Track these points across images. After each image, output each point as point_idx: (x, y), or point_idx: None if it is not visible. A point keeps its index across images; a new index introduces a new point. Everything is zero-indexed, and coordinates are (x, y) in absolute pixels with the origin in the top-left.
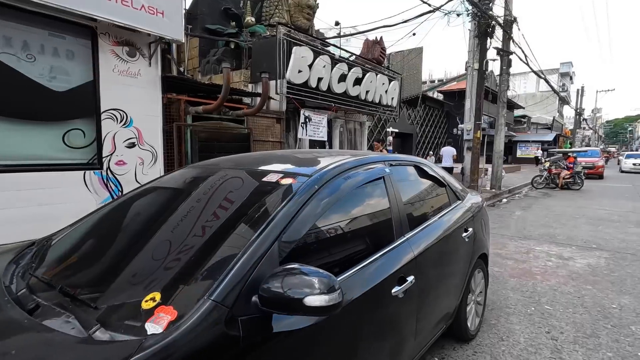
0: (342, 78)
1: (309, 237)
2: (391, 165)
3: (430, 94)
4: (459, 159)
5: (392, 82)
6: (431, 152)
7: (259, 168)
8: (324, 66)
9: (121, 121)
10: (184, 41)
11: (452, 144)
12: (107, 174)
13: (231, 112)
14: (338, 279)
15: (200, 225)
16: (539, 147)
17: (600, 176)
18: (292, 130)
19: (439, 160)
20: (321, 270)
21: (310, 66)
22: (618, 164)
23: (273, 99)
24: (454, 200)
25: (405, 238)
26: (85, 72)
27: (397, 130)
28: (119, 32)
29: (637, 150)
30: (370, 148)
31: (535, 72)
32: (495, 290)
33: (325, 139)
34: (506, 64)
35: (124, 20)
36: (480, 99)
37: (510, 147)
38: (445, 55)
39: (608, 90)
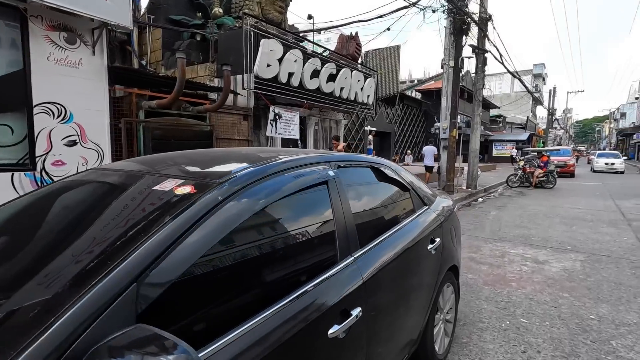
0: (315, 74)
1: (197, 272)
2: (339, 166)
3: (408, 93)
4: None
5: (368, 80)
6: (409, 151)
7: (161, 172)
8: (295, 61)
9: (59, 116)
10: (132, 27)
11: (432, 143)
12: (41, 175)
13: (192, 107)
14: (240, 330)
15: (29, 260)
16: (513, 146)
17: (571, 174)
18: (262, 127)
19: (420, 158)
20: (180, 343)
21: (280, 60)
22: (588, 163)
23: (239, 94)
24: (419, 207)
25: (352, 258)
26: (12, 60)
27: (375, 129)
28: (54, 16)
29: (604, 149)
30: (331, 148)
31: (509, 72)
32: (468, 302)
33: (297, 137)
34: (481, 62)
35: (59, 2)
36: (456, 97)
37: (487, 146)
38: (425, 54)
39: (578, 91)
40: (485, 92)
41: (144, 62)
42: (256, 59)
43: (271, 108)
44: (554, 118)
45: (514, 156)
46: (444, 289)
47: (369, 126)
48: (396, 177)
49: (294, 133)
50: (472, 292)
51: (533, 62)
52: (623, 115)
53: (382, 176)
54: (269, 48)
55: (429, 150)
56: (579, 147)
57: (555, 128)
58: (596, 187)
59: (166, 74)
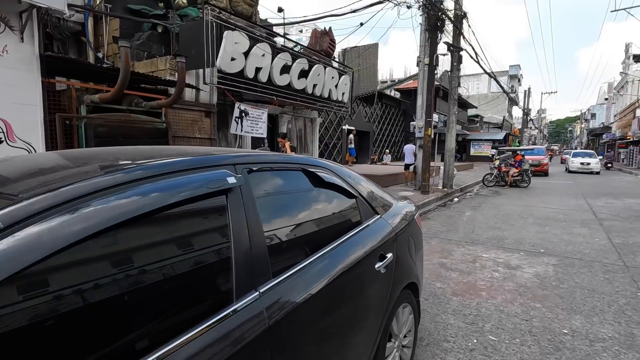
0: (286, 69)
1: None
2: (251, 170)
3: (388, 92)
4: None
5: (343, 77)
6: (387, 151)
7: None
8: (263, 55)
9: None
10: (66, 12)
11: (413, 142)
12: None
13: (145, 103)
14: None
15: None
16: (490, 145)
17: (545, 173)
18: (230, 125)
19: (400, 158)
20: None
21: (246, 54)
22: (562, 162)
23: (198, 89)
24: (368, 216)
25: (256, 294)
26: None
27: (354, 128)
28: None
29: (576, 148)
30: (293, 150)
31: (485, 71)
32: (434, 316)
33: (265, 135)
34: (457, 60)
35: None
36: (431, 95)
37: (465, 145)
38: (406, 54)
39: (551, 92)
40: (463, 92)
41: (100, 55)
42: (219, 52)
43: (236, 104)
44: (528, 118)
45: (494, 155)
46: (399, 311)
47: (347, 125)
48: (338, 181)
49: (262, 131)
50: (440, 304)
51: (509, 64)
52: (593, 115)
53: (318, 181)
54: (234, 41)
55: (409, 148)
56: (552, 147)
57: (530, 128)
58: (569, 185)
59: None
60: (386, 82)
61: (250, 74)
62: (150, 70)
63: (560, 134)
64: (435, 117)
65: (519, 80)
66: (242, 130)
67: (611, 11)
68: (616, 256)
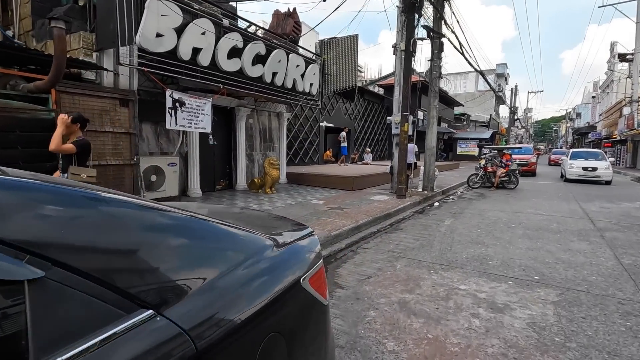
0: (236, 53)
1: None
2: None
3: (371, 87)
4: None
5: (311, 66)
6: (368, 149)
7: None
8: (204, 33)
9: None
10: None
11: (412, 141)
12: None
13: (22, 85)
14: None
15: None
16: (477, 144)
17: (533, 173)
18: (159, 117)
19: (384, 156)
20: None
21: (179, 31)
22: (551, 163)
23: (102, 68)
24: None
25: None
26: None
27: (331, 125)
28: None
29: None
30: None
31: (469, 62)
32: None
33: (208, 130)
34: (437, 47)
35: None
36: (408, 85)
37: (451, 144)
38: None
39: (538, 91)
40: (449, 90)
41: (10, 33)
42: (139, 26)
43: (167, 92)
44: (515, 117)
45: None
46: None
47: (325, 122)
48: None
49: (204, 125)
50: None
51: (496, 62)
52: (579, 115)
53: None
54: (159, 12)
55: (409, 148)
56: (538, 146)
57: (517, 127)
58: (558, 187)
59: (36, 48)
60: (370, 79)
61: (185, 55)
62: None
63: (545, 133)
64: (420, 114)
65: (506, 79)
66: (176, 124)
67: (599, 7)
68: (632, 286)
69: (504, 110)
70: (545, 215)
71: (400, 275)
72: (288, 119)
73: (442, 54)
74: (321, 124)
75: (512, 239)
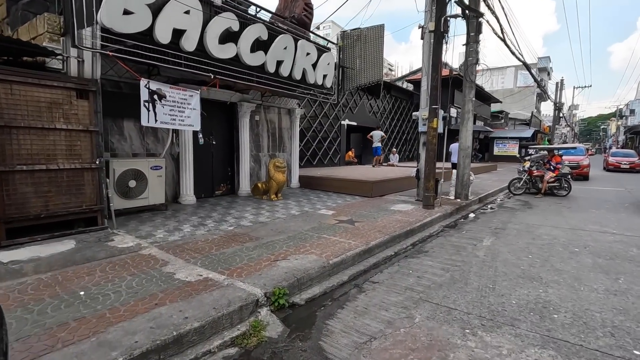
0: (231, 37)
1: None
2: None
3: (400, 84)
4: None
5: (324, 55)
6: (395, 149)
7: None
8: (188, 12)
9: None
10: None
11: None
12: None
13: None
14: None
15: None
16: (517, 143)
17: (585, 177)
18: (133, 111)
19: (447, 157)
20: None
21: (154, 8)
22: (611, 168)
23: (53, 52)
24: None
25: None
26: None
27: (354, 123)
28: None
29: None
30: (280, 147)
31: (512, 51)
32: None
33: (197, 127)
34: (474, 29)
35: None
36: (438, 73)
37: (487, 144)
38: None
39: (585, 87)
40: (486, 86)
41: None
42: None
43: (142, 82)
44: (560, 114)
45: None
46: None
47: (346, 120)
48: None
49: (191, 122)
50: None
51: (537, 56)
52: (632, 111)
53: None
54: None
55: (456, 147)
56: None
57: (561, 125)
58: (619, 194)
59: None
60: (404, 76)
61: (163, 37)
62: (31, 37)
63: (592, 132)
64: (452, 111)
65: (549, 74)
66: (155, 120)
67: None
68: None
69: (545, 108)
70: (617, 234)
71: (420, 338)
72: (305, 116)
73: (480, 36)
74: (343, 122)
75: (579, 272)
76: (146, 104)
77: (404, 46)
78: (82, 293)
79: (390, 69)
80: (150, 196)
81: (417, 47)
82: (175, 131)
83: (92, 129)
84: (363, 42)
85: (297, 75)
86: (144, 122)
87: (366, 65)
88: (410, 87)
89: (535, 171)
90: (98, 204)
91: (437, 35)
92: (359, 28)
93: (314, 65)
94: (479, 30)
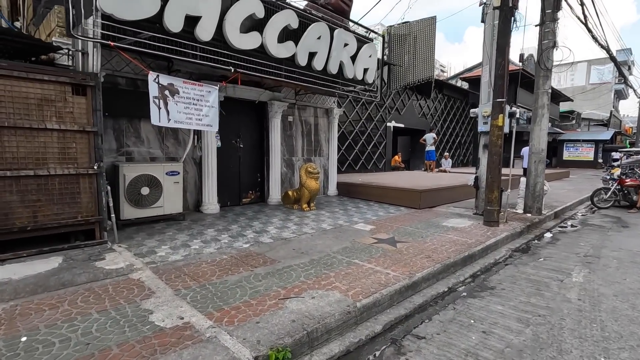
0: (255, 25)
1: None
2: None
3: (453, 82)
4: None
5: (365, 47)
6: (447, 154)
7: None
8: None
9: None
10: None
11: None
12: None
13: None
14: None
15: None
16: (592, 147)
17: None
18: (142, 109)
19: (468, 162)
20: None
21: None
22: None
23: (48, 47)
24: None
25: None
26: None
27: (401, 125)
28: None
29: None
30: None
31: (595, 40)
32: None
33: (215, 127)
34: (551, 4)
35: None
36: (504, 59)
37: (555, 147)
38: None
39: None
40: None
41: (18, 24)
42: None
43: (150, 76)
44: None
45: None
46: None
47: (393, 122)
48: None
49: (209, 121)
50: None
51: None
52: None
53: None
54: None
55: (526, 151)
56: None
57: None
58: None
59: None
60: (458, 74)
61: (174, 26)
62: (47, 33)
63: None
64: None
65: (630, 68)
66: (168, 119)
67: None
68: None
69: (625, 107)
70: None
71: None
72: (347, 117)
73: (559, 14)
74: (389, 124)
75: None
76: (156, 101)
77: (457, 46)
78: (24, 339)
79: (442, 70)
80: (166, 205)
81: (472, 47)
82: (198, 132)
83: (90, 129)
84: (412, 37)
85: (333, 69)
86: (154, 121)
87: (415, 62)
88: (465, 85)
89: (627, 180)
90: (96, 215)
91: (503, 12)
92: (408, 22)
93: (353, 58)
94: (557, 6)
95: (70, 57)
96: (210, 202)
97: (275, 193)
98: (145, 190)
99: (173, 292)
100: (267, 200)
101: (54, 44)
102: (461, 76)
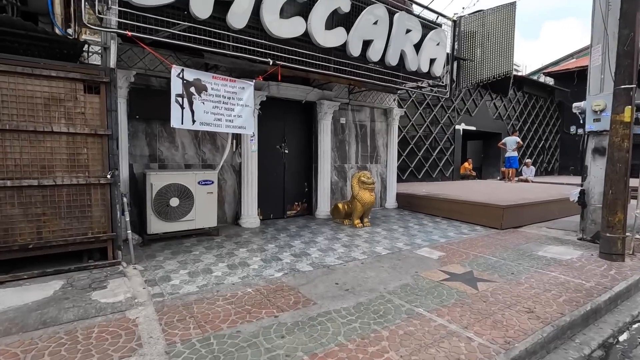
0: (297, 8)
1: None
2: None
3: (534, 78)
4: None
5: (432, 32)
6: (529, 160)
7: None
8: None
9: None
10: None
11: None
12: None
13: None
14: None
15: None
16: None
17: None
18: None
19: (552, 170)
20: None
21: None
22: None
23: (49, 37)
24: None
25: None
26: None
27: (472, 128)
28: None
29: None
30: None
31: None
32: None
33: (250, 130)
34: None
35: None
36: (633, 31)
37: None
38: (565, 45)
39: None
40: None
41: (70, 31)
42: None
43: (173, 71)
44: None
45: None
46: None
47: (462, 124)
48: None
49: (242, 123)
50: None
51: None
52: None
53: None
54: None
55: None
56: None
57: None
58: None
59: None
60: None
61: (201, 11)
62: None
63: None
64: None
65: None
66: (193, 121)
67: None
68: None
69: None
70: None
71: None
72: (409, 118)
73: None
74: (457, 126)
75: None
76: (179, 100)
77: (533, 44)
78: None
79: (516, 69)
80: (198, 218)
81: (550, 44)
82: (237, 137)
83: (104, 132)
84: (486, 27)
85: (393, 60)
86: (175, 124)
87: (490, 55)
88: (551, 81)
89: None
90: (109, 231)
91: None
92: (481, 10)
93: (417, 47)
94: None
95: (99, 54)
96: (250, 215)
97: (323, 205)
98: (174, 202)
99: (164, 347)
100: (314, 213)
101: (82, 40)
102: (545, 71)
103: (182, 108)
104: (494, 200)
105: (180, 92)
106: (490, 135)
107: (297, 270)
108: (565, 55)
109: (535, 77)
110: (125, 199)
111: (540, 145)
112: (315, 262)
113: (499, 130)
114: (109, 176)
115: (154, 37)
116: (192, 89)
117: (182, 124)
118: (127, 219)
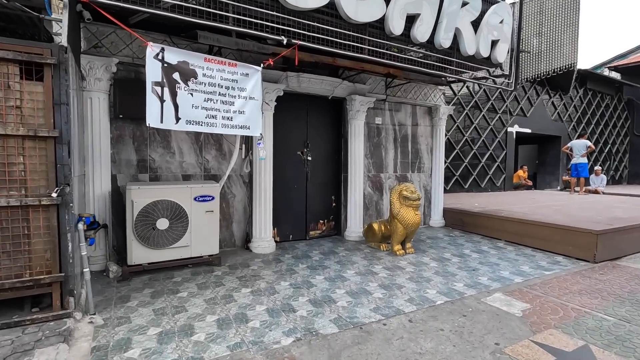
0: None
1: None
2: None
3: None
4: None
5: (494, 7)
6: (598, 168)
7: None
8: None
9: None
10: None
11: None
12: None
13: None
14: None
15: None
16: None
17: None
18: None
19: (621, 177)
20: None
21: None
22: None
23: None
24: None
25: None
26: None
27: (527, 130)
28: None
29: None
30: (414, 164)
31: None
32: None
33: (258, 131)
34: None
35: None
36: None
37: None
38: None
39: None
40: None
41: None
42: None
43: (149, 50)
44: None
45: None
46: None
47: (515, 126)
48: None
49: (243, 121)
50: None
51: None
52: None
53: None
54: None
55: None
56: None
57: None
58: None
59: None
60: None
61: None
62: None
63: None
64: None
65: None
66: (176, 119)
67: None
68: None
69: None
70: None
71: None
72: (454, 120)
73: None
74: (510, 129)
75: None
76: (157, 90)
77: (590, 33)
78: None
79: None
80: (194, 243)
81: (612, 35)
82: (248, 139)
83: (48, 133)
84: (545, 13)
85: (445, 42)
86: (152, 122)
87: (550, 46)
88: (617, 76)
89: None
90: (55, 271)
91: None
92: None
93: (475, 24)
94: None
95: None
96: (262, 238)
97: (354, 224)
98: (163, 224)
99: None
100: (343, 233)
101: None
102: (610, 65)
103: (162, 101)
104: (576, 221)
105: (159, 80)
106: (547, 139)
107: (314, 333)
108: (635, 46)
109: (598, 72)
110: (80, 225)
111: (606, 150)
112: (342, 317)
113: (558, 132)
114: (54, 194)
115: (120, 4)
116: (176, 76)
117: (161, 122)
118: (84, 252)
